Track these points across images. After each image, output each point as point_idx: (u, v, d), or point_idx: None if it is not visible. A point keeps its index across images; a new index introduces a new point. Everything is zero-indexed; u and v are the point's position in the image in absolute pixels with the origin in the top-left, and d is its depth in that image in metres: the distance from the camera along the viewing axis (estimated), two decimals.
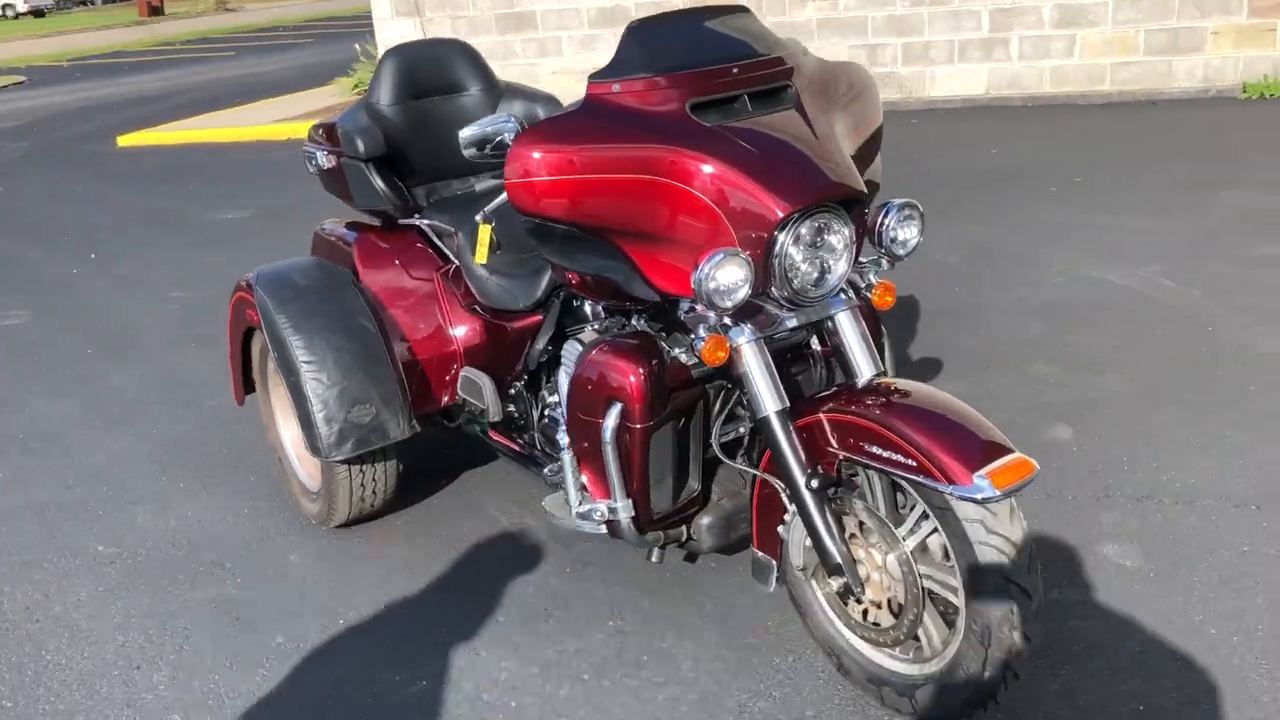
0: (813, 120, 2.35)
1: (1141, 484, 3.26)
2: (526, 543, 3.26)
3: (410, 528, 3.41)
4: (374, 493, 3.29)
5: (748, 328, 2.32)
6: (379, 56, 3.74)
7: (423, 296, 3.29)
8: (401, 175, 3.43)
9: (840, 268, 2.33)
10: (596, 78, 2.34)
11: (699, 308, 2.27)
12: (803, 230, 2.24)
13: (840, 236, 2.30)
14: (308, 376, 3.03)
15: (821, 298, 2.34)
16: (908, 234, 2.42)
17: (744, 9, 2.53)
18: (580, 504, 2.54)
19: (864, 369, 2.40)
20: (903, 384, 2.31)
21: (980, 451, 2.07)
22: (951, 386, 4.00)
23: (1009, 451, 2.08)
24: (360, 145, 3.28)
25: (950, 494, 2.05)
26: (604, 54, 10.92)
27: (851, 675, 2.46)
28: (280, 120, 11.70)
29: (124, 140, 11.88)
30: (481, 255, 2.86)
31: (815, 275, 2.30)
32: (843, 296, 2.41)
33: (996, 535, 2.09)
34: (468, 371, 3.18)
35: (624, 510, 2.46)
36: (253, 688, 2.72)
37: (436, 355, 3.26)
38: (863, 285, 2.48)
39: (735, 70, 2.34)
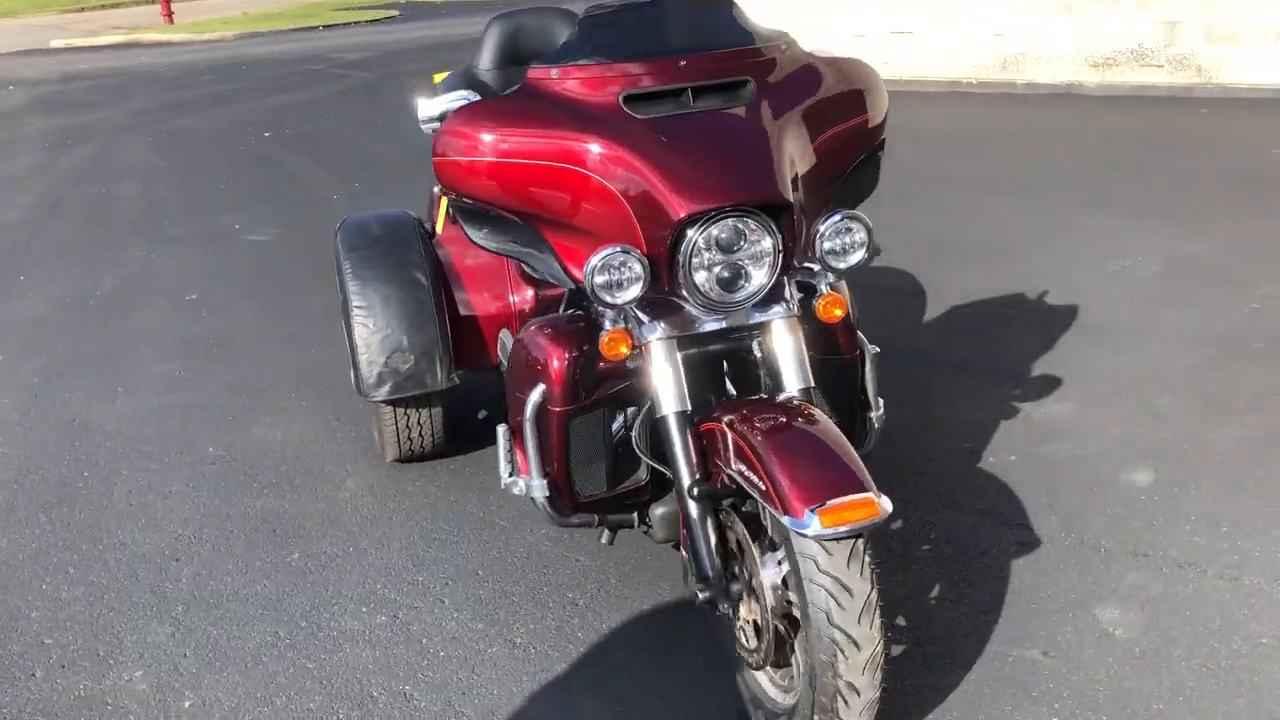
0: (761, 119, 2.27)
1: (1192, 548, 2.90)
2: None
3: (460, 471, 3.60)
4: (421, 435, 3.49)
5: (661, 325, 2.29)
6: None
7: (489, 259, 3.43)
8: None
9: (759, 276, 2.25)
10: (539, 62, 2.37)
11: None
12: (714, 232, 2.18)
13: (757, 244, 2.22)
14: (356, 320, 3.27)
15: (739, 305, 2.28)
16: (844, 245, 2.29)
17: (728, 1, 2.46)
18: (507, 475, 2.62)
19: (789, 383, 2.31)
20: (800, 406, 2.20)
21: (825, 486, 1.97)
22: (1056, 407, 3.71)
23: (858, 491, 1.96)
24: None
25: (786, 523, 1.97)
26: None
27: (744, 688, 2.41)
28: None
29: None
30: (439, 225, 2.96)
31: (728, 280, 2.24)
32: (779, 306, 2.33)
33: (827, 576, 1.97)
34: (504, 334, 3.31)
35: (539, 489, 2.51)
36: (251, 594, 3.01)
37: (491, 316, 3.41)
38: (813, 295, 2.37)
39: (682, 63, 2.30)
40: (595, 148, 2.22)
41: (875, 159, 2.63)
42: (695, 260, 2.20)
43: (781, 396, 2.28)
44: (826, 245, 2.28)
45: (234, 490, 3.61)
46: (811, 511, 1.93)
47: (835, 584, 1.97)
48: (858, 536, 1.98)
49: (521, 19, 3.70)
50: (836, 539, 1.94)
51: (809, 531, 1.93)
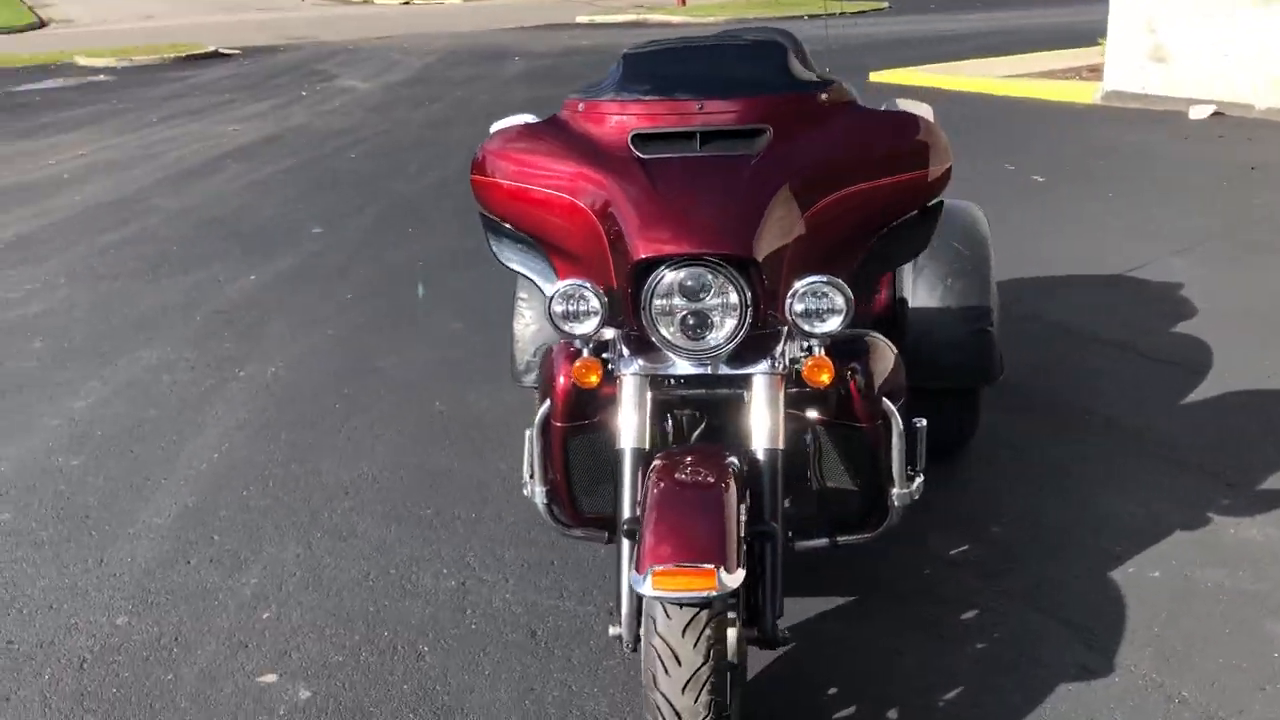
0: (762, 170, 2.24)
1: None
2: None
3: None
4: None
5: (638, 362, 2.33)
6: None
7: None
8: None
9: (725, 326, 2.23)
10: (573, 94, 2.46)
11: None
12: (678, 278, 2.20)
13: (720, 295, 2.20)
14: (516, 312, 3.54)
15: (705, 352, 2.26)
16: (817, 309, 2.20)
17: (774, 42, 2.42)
18: (527, 476, 2.76)
19: (755, 440, 2.27)
20: (712, 463, 2.17)
21: (674, 549, 1.96)
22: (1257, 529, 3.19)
23: (704, 561, 1.92)
24: None
25: (631, 579, 1.98)
26: None
27: None
28: (1014, 76, 11.67)
29: (875, 76, 12.75)
30: None
31: (694, 326, 2.23)
32: (764, 362, 2.29)
33: (660, 639, 1.96)
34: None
35: (539, 496, 2.63)
36: (281, 518, 3.50)
37: None
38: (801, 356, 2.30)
39: (700, 106, 2.31)
40: (590, 183, 2.31)
41: (928, 218, 2.47)
42: (658, 303, 2.22)
43: (711, 450, 2.25)
44: (798, 307, 2.21)
45: (344, 414, 4.21)
46: (649, 571, 1.93)
47: (665, 649, 1.95)
48: (702, 607, 1.94)
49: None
50: (662, 602, 1.92)
51: (641, 590, 1.93)
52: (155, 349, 5.14)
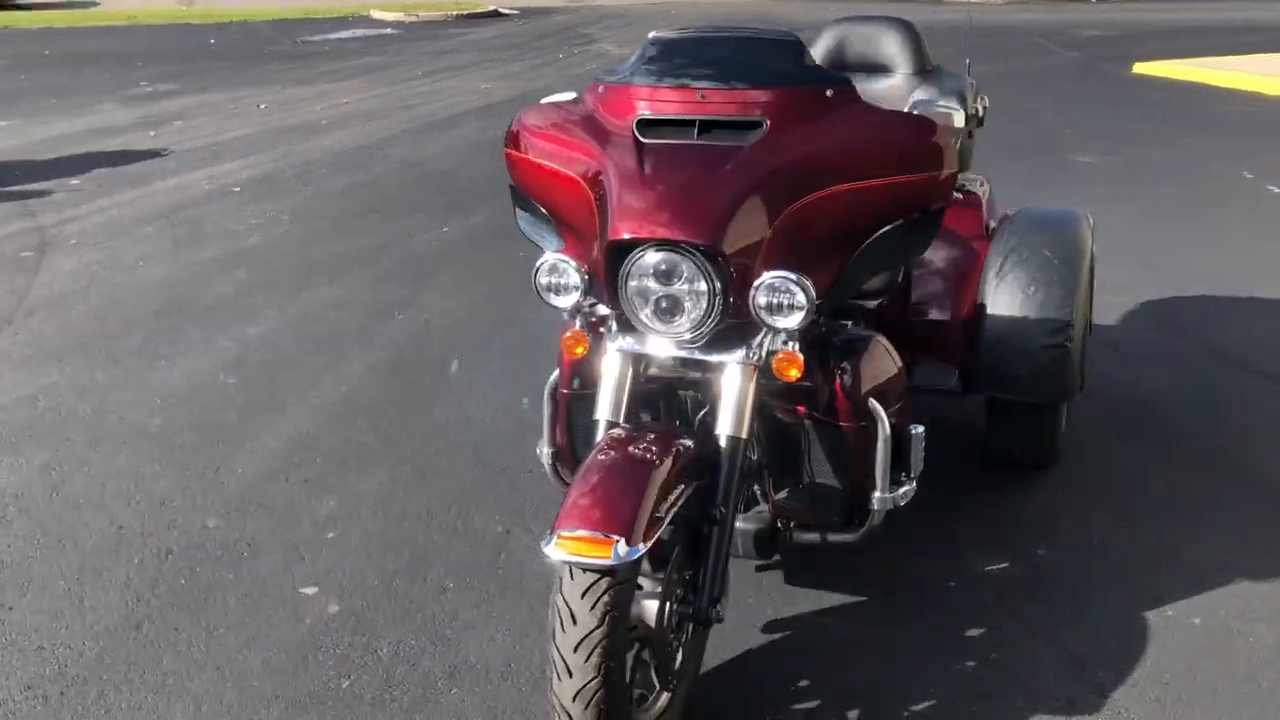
0: (751, 162, 2.28)
1: None
2: None
3: None
4: None
5: (623, 338, 2.43)
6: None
7: None
8: None
9: (692, 313, 2.29)
10: (597, 75, 2.55)
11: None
12: (646, 260, 2.27)
13: (687, 282, 2.26)
14: None
15: (679, 336, 2.33)
16: (779, 304, 2.23)
17: (791, 41, 2.43)
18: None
19: (720, 427, 2.33)
20: (654, 440, 2.25)
21: (584, 516, 2.05)
22: None
23: (608, 531, 2.01)
24: None
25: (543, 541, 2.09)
26: None
27: None
28: None
29: (1140, 68, 11.98)
30: None
31: (667, 310, 2.31)
32: (739, 350, 2.34)
33: (560, 598, 2.07)
34: None
35: (546, 456, 2.77)
36: (379, 451, 3.68)
37: None
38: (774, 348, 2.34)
39: (702, 95, 2.37)
40: (594, 163, 2.41)
41: (929, 222, 2.44)
42: (633, 284, 2.31)
43: (667, 431, 2.32)
44: (760, 300, 2.25)
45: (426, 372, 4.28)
46: (556, 534, 2.04)
47: (565, 608, 2.06)
48: (604, 575, 2.04)
49: (856, 27, 3.71)
50: (563, 564, 2.03)
51: (544, 549, 2.05)
52: (336, 287, 5.62)
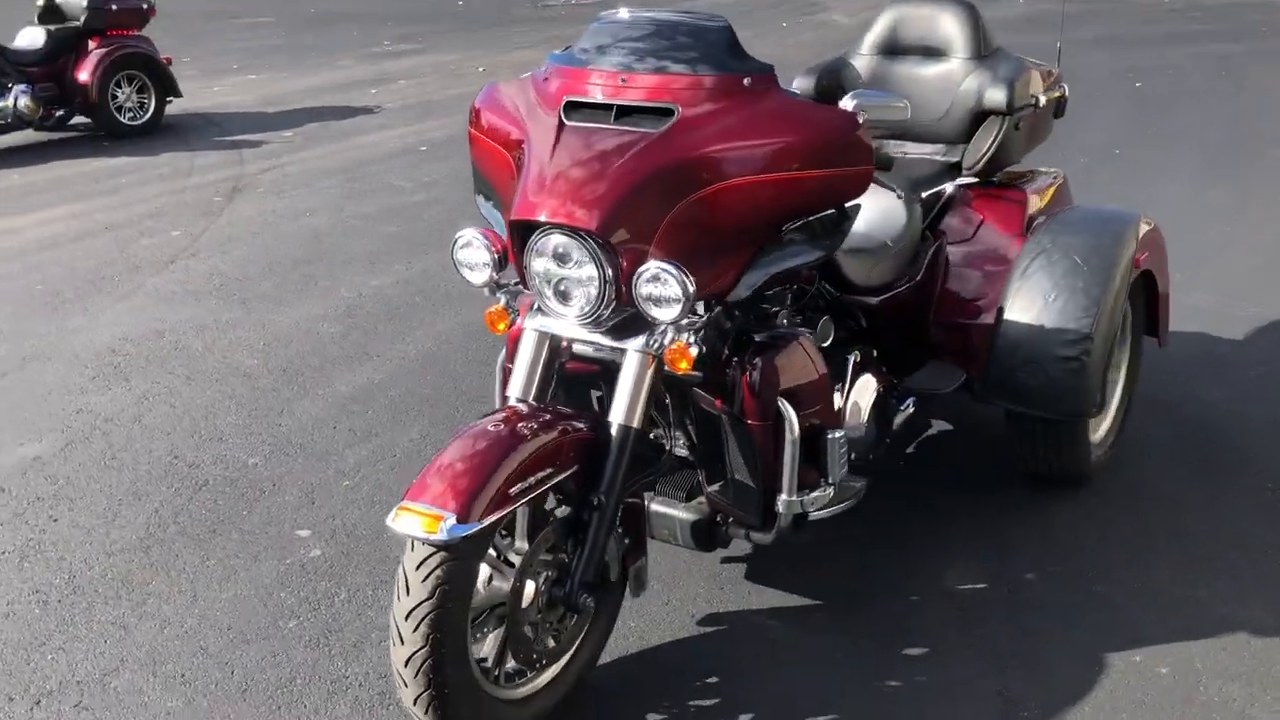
0: (654, 149, 2.25)
1: None
2: None
3: None
4: None
5: (539, 317, 2.45)
6: None
7: None
8: None
9: (579, 298, 2.29)
10: (550, 55, 2.55)
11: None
12: (546, 243, 2.29)
13: (576, 267, 2.26)
14: None
15: (580, 319, 2.33)
16: (657, 295, 2.20)
17: (721, 25, 2.36)
18: None
19: (613, 414, 2.33)
20: (524, 419, 2.28)
21: (427, 489, 2.11)
22: None
23: (444, 508, 2.06)
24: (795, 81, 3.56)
25: None
26: None
27: None
28: None
29: None
30: None
31: (564, 294, 2.32)
32: (640, 338, 2.33)
33: (401, 565, 2.13)
34: None
35: None
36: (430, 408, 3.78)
37: None
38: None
39: (623, 79, 2.35)
40: (523, 143, 2.43)
41: (843, 218, 2.34)
42: (535, 265, 2.33)
43: (557, 414, 2.33)
44: (641, 290, 2.23)
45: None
46: (402, 507, 2.11)
47: (402, 576, 2.13)
48: (440, 549, 2.09)
49: (912, 8, 3.53)
50: (401, 535, 2.09)
51: (387, 517, 2.12)
52: None
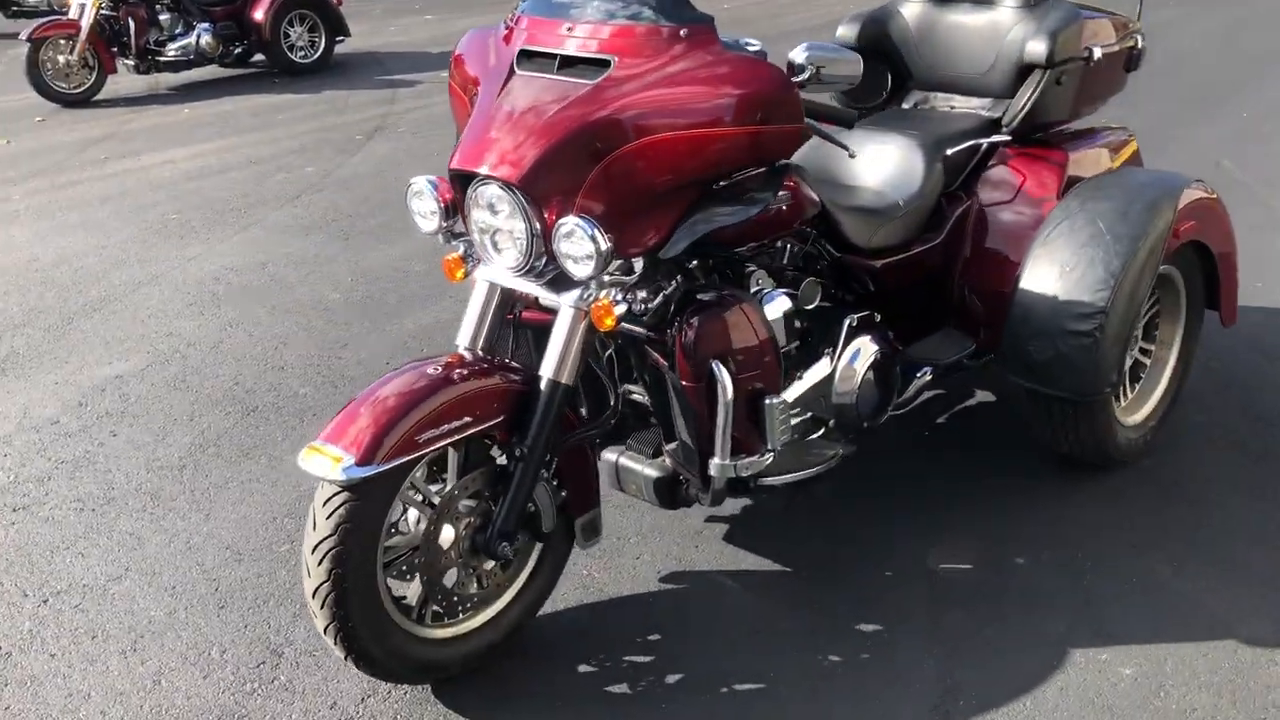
0: (584, 101, 2.23)
1: None
2: None
3: None
4: None
5: (488, 267, 2.47)
6: None
7: None
8: (900, 76, 3.44)
9: (509, 251, 2.30)
10: (520, 5, 2.53)
11: None
12: (481, 193, 2.30)
13: (504, 219, 2.26)
14: None
15: (512, 271, 2.34)
16: (569, 251, 2.19)
17: None
18: None
19: (545, 366, 2.34)
20: (452, 364, 2.32)
21: (335, 431, 2.18)
22: None
23: (345, 449, 2.12)
24: (839, 30, 3.43)
25: None
26: None
27: None
28: None
29: None
30: None
31: (494, 243, 2.33)
32: (573, 293, 2.32)
33: (312, 503, 2.21)
34: None
35: None
36: None
37: None
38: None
39: (566, 28, 2.33)
40: (476, 90, 2.44)
41: (772, 177, 2.26)
42: (473, 216, 2.35)
43: (489, 364, 2.38)
44: (560, 245, 2.21)
45: None
46: (310, 442, 2.19)
47: (311, 512, 2.21)
48: (343, 489, 2.16)
49: None
50: (307, 474, 2.17)
51: (298, 457, 2.21)
52: None
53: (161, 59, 8.83)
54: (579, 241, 2.17)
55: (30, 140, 7.53)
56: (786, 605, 2.69)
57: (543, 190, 2.21)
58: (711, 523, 2.99)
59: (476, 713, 2.39)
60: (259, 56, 9.33)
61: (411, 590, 2.40)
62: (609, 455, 2.66)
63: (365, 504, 2.19)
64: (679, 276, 2.44)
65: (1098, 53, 3.13)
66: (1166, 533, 2.89)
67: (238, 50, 9.21)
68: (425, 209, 2.46)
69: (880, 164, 3.03)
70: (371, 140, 7.16)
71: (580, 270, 2.20)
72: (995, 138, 3.11)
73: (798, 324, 2.72)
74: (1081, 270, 2.79)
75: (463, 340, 2.49)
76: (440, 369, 2.32)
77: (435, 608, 2.39)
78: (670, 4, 2.28)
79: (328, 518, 2.18)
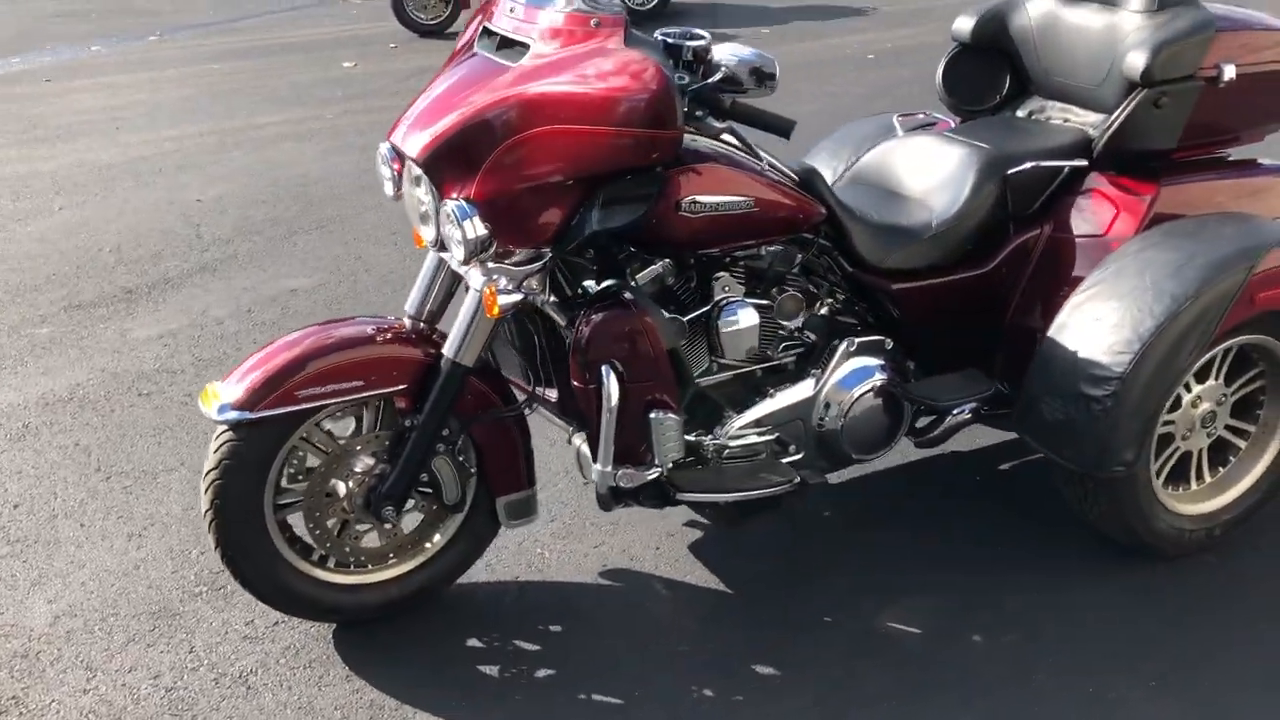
0: (497, 83, 2.22)
1: None
2: None
3: None
4: None
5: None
6: None
7: None
8: (1021, 79, 3.07)
9: (427, 228, 2.32)
10: None
11: None
12: (407, 165, 2.34)
13: (423, 194, 2.28)
14: None
15: (430, 245, 2.36)
16: (446, 234, 2.20)
17: None
18: None
19: (447, 345, 2.37)
20: (385, 336, 2.41)
21: (231, 376, 2.33)
22: None
23: (231, 393, 2.27)
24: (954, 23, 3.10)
25: None
26: None
27: None
28: None
29: None
30: None
31: (420, 218, 2.36)
32: (477, 272, 2.32)
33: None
34: None
35: None
36: None
37: None
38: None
39: (512, 10, 2.31)
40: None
41: (646, 184, 2.16)
42: (404, 187, 2.39)
43: (417, 331, 2.47)
44: (444, 228, 2.22)
45: None
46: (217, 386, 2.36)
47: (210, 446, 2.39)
48: (229, 428, 2.31)
49: None
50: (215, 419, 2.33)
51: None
52: None
53: None
54: (453, 226, 2.17)
55: (374, 65, 8.33)
56: (707, 624, 2.58)
57: (444, 170, 2.22)
58: (690, 527, 2.88)
59: (358, 663, 2.48)
60: None
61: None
62: (576, 441, 2.63)
63: (247, 445, 2.33)
64: (596, 271, 2.36)
65: (1229, 72, 2.61)
66: (1165, 650, 2.44)
67: None
68: (385, 175, 2.53)
69: (928, 175, 2.74)
70: None
71: (459, 253, 2.20)
72: (1073, 162, 2.70)
73: (783, 336, 2.56)
74: (1109, 327, 2.39)
75: (409, 307, 2.55)
76: (358, 329, 2.41)
77: (321, 552, 2.51)
78: None
79: (214, 451, 2.35)
